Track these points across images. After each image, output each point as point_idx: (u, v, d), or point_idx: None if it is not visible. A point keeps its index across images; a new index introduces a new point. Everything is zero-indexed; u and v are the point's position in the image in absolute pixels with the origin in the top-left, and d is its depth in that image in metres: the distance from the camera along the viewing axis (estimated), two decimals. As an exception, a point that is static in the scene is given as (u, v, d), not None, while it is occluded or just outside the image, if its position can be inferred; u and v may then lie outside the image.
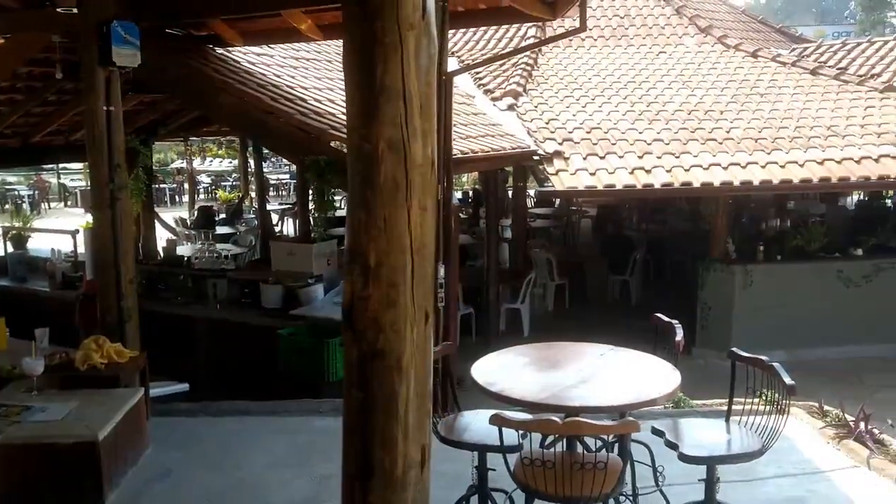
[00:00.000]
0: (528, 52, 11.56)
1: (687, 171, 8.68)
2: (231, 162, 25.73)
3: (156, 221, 12.14)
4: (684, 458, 3.67)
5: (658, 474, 4.02)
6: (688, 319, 8.17)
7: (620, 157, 8.99)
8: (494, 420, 3.33)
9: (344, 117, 2.27)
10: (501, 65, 11.71)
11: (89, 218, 7.19)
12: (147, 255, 10.08)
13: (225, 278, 8.10)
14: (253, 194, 15.86)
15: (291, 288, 7.46)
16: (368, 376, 2.29)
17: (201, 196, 23.65)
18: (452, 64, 8.97)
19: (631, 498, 4.02)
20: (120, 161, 5.85)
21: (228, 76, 7.28)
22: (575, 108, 10.33)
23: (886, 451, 5.21)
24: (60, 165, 24.22)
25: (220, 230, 13.81)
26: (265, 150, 14.27)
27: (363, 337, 2.27)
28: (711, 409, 6.00)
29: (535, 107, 10.38)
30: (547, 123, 9.79)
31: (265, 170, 17.89)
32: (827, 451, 5.41)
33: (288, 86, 7.65)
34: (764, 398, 3.85)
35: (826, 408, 5.95)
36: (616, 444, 3.95)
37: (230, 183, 25.18)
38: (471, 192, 17.08)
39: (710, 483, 3.76)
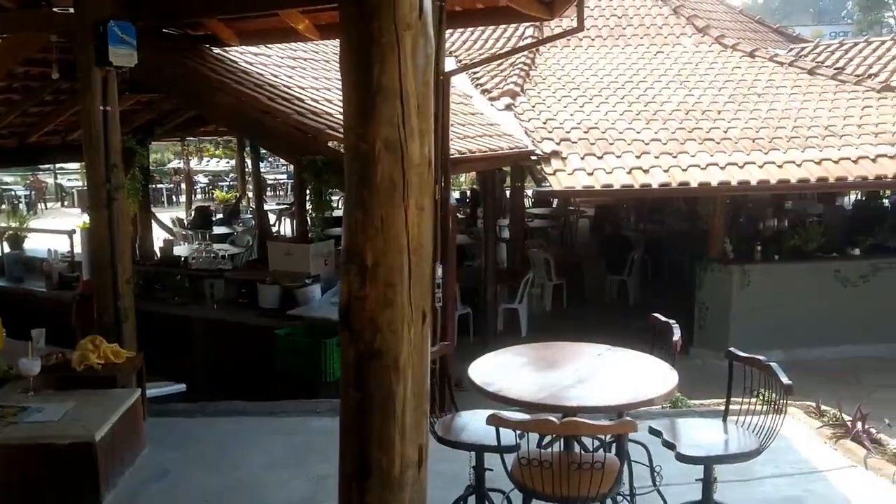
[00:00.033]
0: (525, 52, 11.55)
1: (684, 170, 8.69)
2: (228, 162, 25.71)
3: (153, 221, 12.13)
4: (682, 458, 3.67)
5: (655, 474, 4.02)
6: (685, 319, 8.17)
7: (618, 157, 8.99)
8: (492, 420, 3.33)
9: (341, 117, 2.26)
10: (499, 65, 11.70)
11: (86, 218, 7.18)
12: (144, 256, 10.07)
13: (222, 278, 8.09)
14: (250, 194, 15.85)
15: (289, 288, 7.45)
16: (365, 376, 2.29)
17: (198, 196, 23.62)
18: (450, 64, 8.95)
19: (628, 498, 4.02)
20: (116, 161, 5.84)
21: (225, 76, 7.27)
22: (572, 108, 10.33)
23: (883, 450, 5.22)
24: (57, 165, 24.19)
25: (218, 230, 13.79)
26: (262, 150, 14.25)
27: (360, 337, 2.27)
28: (709, 409, 6.00)
29: (533, 107, 10.37)
30: (544, 123, 9.78)
31: (262, 170, 17.85)
32: (824, 450, 5.42)
33: (285, 85, 7.64)
34: (761, 398, 3.85)
35: (823, 407, 5.96)
36: (613, 444, 3.96)
37: (227, 183, 25.16)
38: (468, 192, 17.07)
39: (708, 483, 3.76)
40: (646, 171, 8.68)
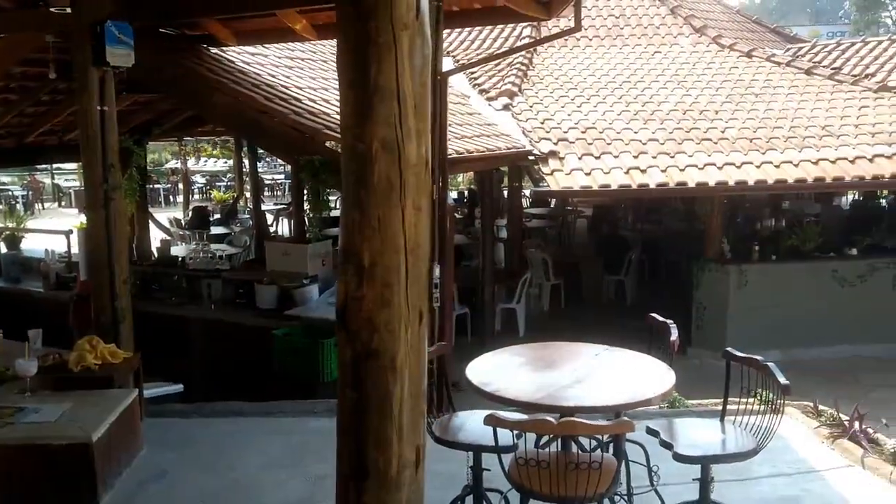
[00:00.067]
0: (523, 52, 11.56)
1: (682, 170, 8.69)
2: (226, 162, 25.67)
3: (150, 222, 12.11)
4: (679, 458, 3.67)
5: (653, 474, 4.02)
6: (683, 319, 8.17)
7: (616, 157, 8.99)
8: (489, 420, 3.33)
9: (338, 117, 2.26)
10: (496, 64, 11.71)
11: (83, 218, 7.18)
12: (141, 256, 10.06)
13: (219, 279, 8.08)
14: (248, 194, 15.85)
15: (286, 288, 7.44)
16: (363, 376, 2.28)
17: (196, 196, 23.59)
18: (447, 64, 8.96)
19: (626, 498, 4.02)
20: (114, 161, 5.84)
21: (223, 76, 7.26)
22: (570, 108, 10.33)
23: (881, 450, 5.22)
24: (54, 166, 24.13)
25: (215, 230, 13.76)
26: (260, 151, 14.25)
27: (357, 337, 2.27)
28: (706, 409, 5.99)
29: (531, 107, 10.38)
30: (542, 123, 9.79)
31: (260, 170, 17.83)
32: (821, 450, 5.42)
33: (282, 85, 7.64)
34: (759, 398, 3.85)
35: (821, 407, 5.96)
36: (611, 444, 3.96)
37: (225, 183, 25.13)
38: (466, 192, 17.06)
39: (705, 482, 3.76)
40: (643, 172, 8.69)
